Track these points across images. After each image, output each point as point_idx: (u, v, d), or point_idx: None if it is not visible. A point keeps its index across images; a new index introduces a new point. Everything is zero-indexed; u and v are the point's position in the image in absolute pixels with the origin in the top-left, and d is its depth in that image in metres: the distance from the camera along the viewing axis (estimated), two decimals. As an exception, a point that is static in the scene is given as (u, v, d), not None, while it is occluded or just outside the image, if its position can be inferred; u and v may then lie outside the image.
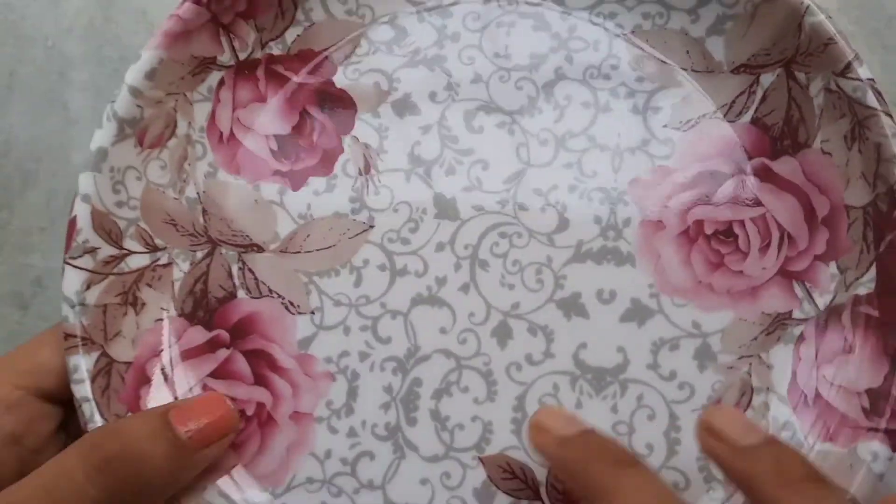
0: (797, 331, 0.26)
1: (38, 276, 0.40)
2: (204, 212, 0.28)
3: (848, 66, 0.25)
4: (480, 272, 0.27)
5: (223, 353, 0.28)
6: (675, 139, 0.27)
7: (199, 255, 0.28)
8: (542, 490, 0.26)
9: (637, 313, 0.27)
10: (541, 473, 0.26)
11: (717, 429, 0.22)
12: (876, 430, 0.23)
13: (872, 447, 0.23)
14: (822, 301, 0.26)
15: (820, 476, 0.21)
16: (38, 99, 0.40)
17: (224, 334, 0.28)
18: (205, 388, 0.27)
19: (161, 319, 0.28)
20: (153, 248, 0.28)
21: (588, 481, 0.22)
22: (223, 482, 0.27)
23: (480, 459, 0.27)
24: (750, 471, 0.21)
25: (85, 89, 0.40)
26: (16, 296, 0.40)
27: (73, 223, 0.26)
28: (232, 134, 0.29)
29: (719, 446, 0.22)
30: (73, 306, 0.26)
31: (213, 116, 0.29)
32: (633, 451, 0.24)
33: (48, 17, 0.41)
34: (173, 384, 0.27)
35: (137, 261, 0.27)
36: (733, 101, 0.27)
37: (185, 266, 0.28)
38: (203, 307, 0.28)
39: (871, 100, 0.24)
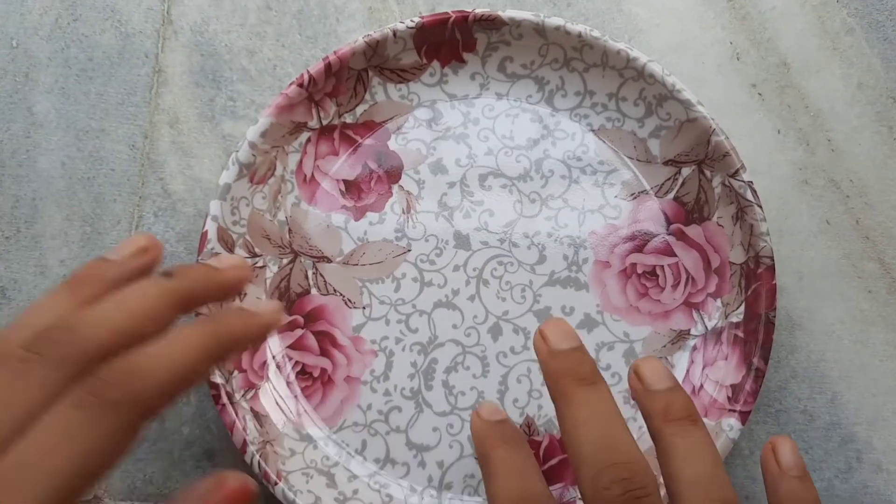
0: (692, 342, 0.38)
1: (2, 287, 0.39)
2: (290, 231, 0.40)
3: (737, 171, 0.37)
4: (483, 288, 0.39)
5: (299, 332, 0.39)
6: (622, 206, 0.40)
7: (285, 261, 0.40)
8: (515, 439, 0.38)
9: (587, 323, 0.39)
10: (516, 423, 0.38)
11: (640, 374, 0.29)
12: (734, 410, 0.36)
13: (730, 422, 0.36)
14: (710, 324, 0.38)
15: (695, 416, 0.28)
16: (2, 101, 0.39)
17: (300, 319, 0.39)
18: (288, 357, 0.39)
19: (257, 305, 0.39)
20: (254, 255, 0.39)
21: (555, 390, 0.29)
22: (295, 423, 0.38)
23: (474, 416, 0.39)
24: (649, 408, 0.29)
25: (51, 91, 0.39)
26: (-22, 308, 0.37)
27: (204, 235, 0.37)
28: (313, 177, 0.40)
29: (637, 386, 0.29)
30: (202, 292, 0.37)
31: (300, 164, 0.40)
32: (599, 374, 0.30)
33: (13, 16, 0.40)
34: (264, 351, 0.39)
35: (243, 263, 0.39)
36: (662, 184, 0.39)
37: (275, 268, 0.40)
38: (286, 298, 0.40)
39: (750, 195, 0.37)
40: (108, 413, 0.21)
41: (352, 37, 0.42)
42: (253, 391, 0.38)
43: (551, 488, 0.37)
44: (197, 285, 0.27)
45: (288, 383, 0.38)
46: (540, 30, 0.38)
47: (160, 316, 0.25)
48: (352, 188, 0.40)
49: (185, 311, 0.26)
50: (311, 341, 0.39)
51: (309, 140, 0.40)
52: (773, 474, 0.29)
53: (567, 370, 0.29)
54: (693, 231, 0.39)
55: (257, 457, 0.36)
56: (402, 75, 0.40)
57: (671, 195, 0.39)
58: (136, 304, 0.25)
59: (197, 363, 0.24)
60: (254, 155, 0.38)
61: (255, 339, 0.28)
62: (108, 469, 0.21)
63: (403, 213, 0.40)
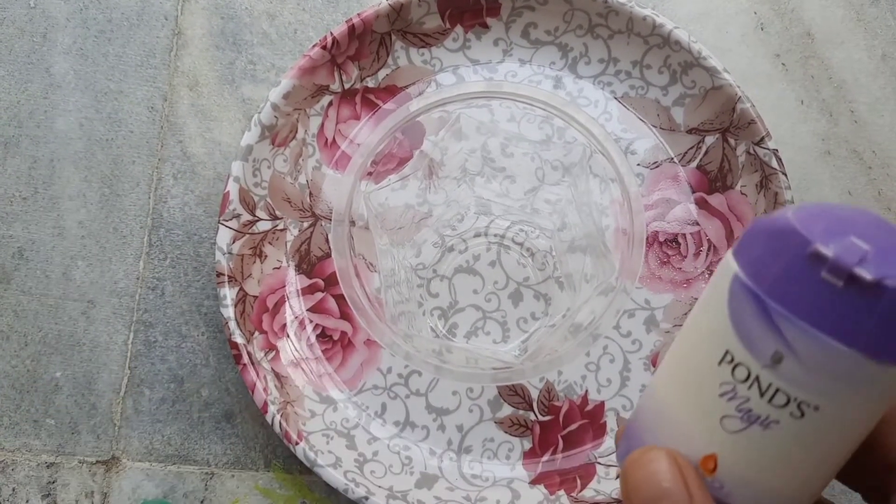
0: (713, 311, 0.38)
1: (19, 248, 0.38)
2: (310, 194, 0.40)
3: (762, 139, 0.37)
4: (504, 253, 0.39)
5: (319, 295, 0.39)
6: (644, 174, 0.40)
7: (305, 224, 0.40)
8: (534, 404, 0.39)
9: (608, 290, 0.39)
10: (534, 392, 0.38)
11: None
12: (755, 376, 0.36)
13: (752, 388, 0.36)
14: (731, 292, 0.38)
15: None
16: (19, 62, 0.39)
17: (320, 282, 0.39)
18: (309, 320, 0.39)
19: (278, 268, 0.39)
20: (274, 217, 0.39)
21: None
22: (316, 385, 0.38)
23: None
24: None
25: (69, 52, 0.39)
26: (-5, 269, 0.37)
27: (226, 196, 0.37)
28: (334, 140, 0.40)
29: None
30: (223, 254, 0.37)
31: (322, 127, 0.40)
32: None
33: (30, -24, 0.39)
34: (283, 314, 0.39)
35: (264, 225, 0.39)
36: (686, 152, 0.39)
37: (295, 232, 0.40)
38: (306, 262, 0.39)
39: (775, 163, 0.37)
40: None
41: (373, 1, 0.41)
42: (274, 353, 0.38)
43: (571, 452, 0.37)
44: None
45: (309, 345, 0.38)
46: (565, -5, 0.38)
47: None
48: (373, 152, 0.40)
49: None
50: (332, 304, 0.39)
51: (331, 104, 0.40)
52: None
53: None
54: (716, 200, 0.39)
55: (278, 417, 0.36)
56: (424, 40, 0.40)
57: (694, 164, 0.39)
58: None
59: None
60: (276, 117, 0.38)
61: None
62: None
63: (425, 178, 0.40)
